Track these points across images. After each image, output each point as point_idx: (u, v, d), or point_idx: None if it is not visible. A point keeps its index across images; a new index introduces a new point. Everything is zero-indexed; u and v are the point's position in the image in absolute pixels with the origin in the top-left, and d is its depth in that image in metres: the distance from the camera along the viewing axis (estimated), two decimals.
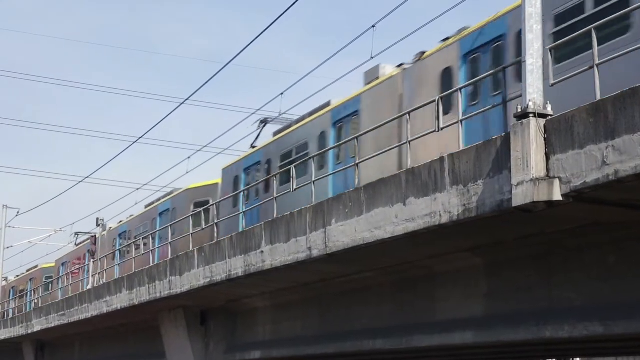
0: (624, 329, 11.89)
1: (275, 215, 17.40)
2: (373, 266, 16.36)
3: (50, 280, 43.35)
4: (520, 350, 17.88)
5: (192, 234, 23.27)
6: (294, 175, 18.19)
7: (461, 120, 13.21)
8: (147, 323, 27.54)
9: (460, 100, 13.68)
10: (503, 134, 11.40)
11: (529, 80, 11.08)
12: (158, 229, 30.18)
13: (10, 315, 40.59)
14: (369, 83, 20.92)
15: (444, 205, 12.24)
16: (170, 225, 25.99)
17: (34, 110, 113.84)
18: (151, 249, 27.47)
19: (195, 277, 20.43)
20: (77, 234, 42.24)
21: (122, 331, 31.06)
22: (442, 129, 13.87)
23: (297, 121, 24.54)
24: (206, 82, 23.18)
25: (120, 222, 38.00)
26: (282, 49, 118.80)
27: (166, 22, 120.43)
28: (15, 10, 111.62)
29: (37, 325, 34.74)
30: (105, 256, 34.55)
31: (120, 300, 25.56)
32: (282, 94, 25.98)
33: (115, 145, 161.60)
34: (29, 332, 36.06)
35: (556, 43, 12.20)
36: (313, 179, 17.60)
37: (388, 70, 20.32)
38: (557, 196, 10.46)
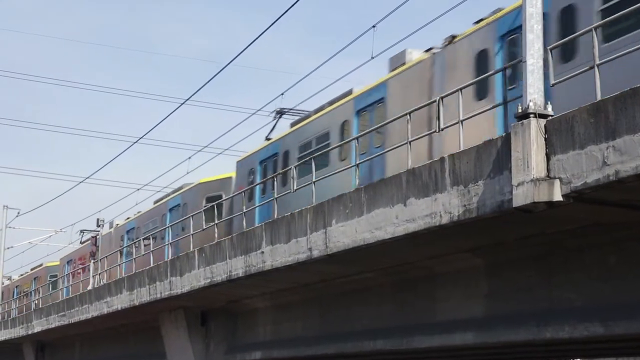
0: (624, 330, 11.87)
1: (294, 209, 16.71)
2: (373, 267, 16.35)
3: (55, 278, 42.81)
4: (520, 350, 17.86)
5: (205, 229, 22.79)
6: (313, 168, 17.60)
7: (461, 121, 13.18)
8: (147, 324, 27.53)
9: (493, 86, 12.89)
10: (503, 134, 11.40)
11: (529, 81, 11.07)
12: (169, 224, 28.94)
13: (15, 315, 40.35)
14: (394, 69, 19.89)
15: (445, 206, 12.23)
16: (184, 219, 25.00)
17: (34, 110, 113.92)
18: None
19: (196, 278, 20.43)
20: (82, 231, 41.76)
21: (123, 332, 31.05)
22: (442, 129, 13.85)
23: (316, 111, 23.54)
24: (207, 82, 23.08)
25: (128, 218, 37.20)
26: (283, 49, 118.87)
27: (166, 22, 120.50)
28: (15, 10, 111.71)
29: (38, 326, 34.72)
30: (113, 253, 33.41)
31: (120, 301, 25.55)
32: (282, 94, 26.05)
33: (115, 145, 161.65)
34: (29, 332, 36.04)
35: (556, 43, 12.18)
36: (316, 176, 16.89)
37: (415, 55, 19.39)
38: (558, 197, 10.45)
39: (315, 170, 17.74)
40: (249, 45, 19.92)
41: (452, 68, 17.45)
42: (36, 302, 40.85)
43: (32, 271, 50.55)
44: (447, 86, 16.80)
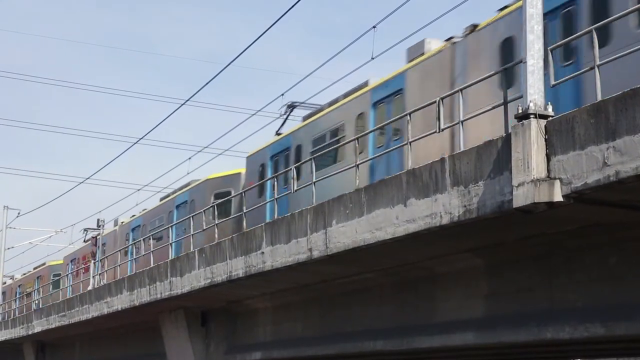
0: (625, 330, 11.87)
1: (315, 201, 16.21)
2: (374, 267, 16.35)
3: (59, 277, 42.41)
4: (521, 351, 17.86)
5: (205, 229, 22.33)
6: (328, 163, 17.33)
7: (462, 121, 13.17)
8: (147, 324, 27.54)
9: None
10: (503, 135, 11.39)
11: (529, 81, 11.07)
12: (176, 221, 28.17)
13: (17, 315, 40.20)
14: (412, 60, 19.30)
15: (445, 206, 12.23)
16: (193, 215, 24.19)
17: (34, 110, 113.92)
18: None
19: (196, 278, 20.43)
20: (86, 230, 41.46)
21: (123, 332, 31.05)
22: (442, 130, 13.83)
23: (330, 104, 22.84)
24: (207, 83, 22.99)
25: (133, 216, 36.59)
26: (283, 50, 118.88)
27: (166, 22, 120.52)
28: (15, 10, 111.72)
29: (38, 326, 34.72)
30: (120, 250, 32.24)
31: (120, 301, 25.55)
32: (282, 94, 25.87)
33: (115, 145, 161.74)
34: (30, 333, 36.04)
35: (556, 44, 12.17)
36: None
37: (434, 45, 18.77)
38: (558, 197, 10.45)
39: (330, 165, 17.41)
40: (249, 45, 20.04)
41: (475, 57, 16.89)
42: (39, 301, 40.57)
43: (35, 270, 50.30)
44: (469, 76, 16.22)
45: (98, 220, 38.86)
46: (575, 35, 11.88)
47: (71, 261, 43.08)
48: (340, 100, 22.15)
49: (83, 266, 38.86)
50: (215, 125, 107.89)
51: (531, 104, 10.90)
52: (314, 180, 17.27)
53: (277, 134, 25.95)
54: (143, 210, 35.74)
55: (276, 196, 18.74)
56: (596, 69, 10.78)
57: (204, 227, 23.63)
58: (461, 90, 13.45)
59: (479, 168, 11.65)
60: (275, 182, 19.14)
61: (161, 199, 34.05)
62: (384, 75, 20.79)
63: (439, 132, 13.93)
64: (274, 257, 16.91)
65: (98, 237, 38.02)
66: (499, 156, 11.30)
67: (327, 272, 17.02)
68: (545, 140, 10.66)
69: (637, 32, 12.64)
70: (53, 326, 32.70)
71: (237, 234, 18.82)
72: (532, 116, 10.76)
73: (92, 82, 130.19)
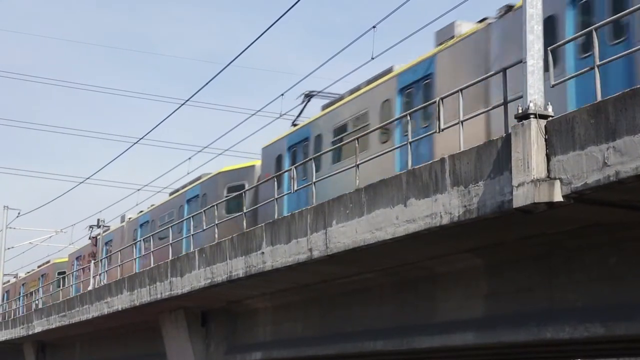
0: (625, 330, 11.88)
1: (330, 196, 15.55)
2: (374, 267, 16.35)
3: (64, 275, 41.85)
4: (521, 351, 17.86)
5: (205, 229, 21.96)
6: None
7: (462, 122, 13.16)
8: (147, 324, 27.54)
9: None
10: (504, 135, 11.40)
11: (529, 81, 11.07)
12: (186, 216, 26.99)
13: (22, 313, 40.01)
14: (441, 43, 18.34)
15: (445, 206, 12.23)
16: (207, 209, 23.31)
17: (34, 110, 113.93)
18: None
19: (196, 278, 20.43)
20: (91, 227, 41.06)
21: (123, 332, 31.05)
22: (442, 130, 13.83)
23: (352, 92, 21.77)
24: (207, 83, 22.95)
25: (141, 212, 35.68)
26: (283, 50, 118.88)
27: (166, 22, 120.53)
28: (15, 10, 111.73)
29: (38, 326, 34.72)
30: (128, 247, 31.25)
31: (121, 302, 25.56)
32: (282, 94, 25.59)
33: (115, 145, 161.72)
34: (30, 333, 36.06)
35: (557, 44, 12.17)
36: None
37: (465, 27, 17.78)
38: (558, 197, 10.46)
39: (352, 155, 16.34)
40: (249, 45, 20.01)
41: (513, 38, 15.16)
42: (43, 300, 40.16)
43: (39, 268, 49.94)
44: (507, 58, 14.96)
45: (98, 220, 38.86)
46: (574, 36, 11.87)
47: (76, 259, 42.59)
48: (362, 88, 21.16)
49: (88, 264, 38.54)
50: (215, 125, 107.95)
51: (531, 104, 10.90)
52: (332, 172, 16.47)
53: (294, 124, 25.06)
54: (151, 205, 34.95)
55: (295, 188, 17.86)
56: (596, 69, 10.78)
57: (204, 228, 23.52)
58: (461, 90, 13.44)
59: (479, 168, 11.65)
60: (294, 174, 18.24)
61: (170, 194, 33.14)
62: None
63: (439, 132, 13.93)
64: (274, 257, 16.91)
65: (98, 237, 38.00)
66: (499, 156, 11.30)
67: (327, 272, 17.02)
68: (545, 140, 10.67)
69: None
70: (53, 326, 32.71)
71: (237, 234, 18.82)
72: (532, 116, 10.76)
73: (92, 82, 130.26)
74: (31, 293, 44.88)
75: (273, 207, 19.19)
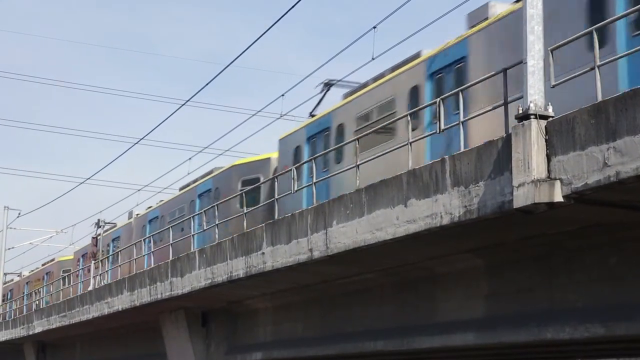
0: (625, 331, 11.88)
1: (362, 185, 14.67)
2: (374, 267, 16.36)
3: (69, 273, 41.43)
4: (521, 351, 17.85)
5: (205, 229, 21.57)
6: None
7: (462, 122, 13.17)
8: (148, 324, 27.54)
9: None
10: (504, 135, 11.40)
11: (530, 82, 11.08)
12: (198, 210, 26.14)
13: (24, 313, 39.88)
14: (473, 26, 17.51)
15: (445, 207, 12.23)
16: (224, 201, 22.49)
17: (34, 110, 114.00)
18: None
19: (197, 278, 20.43)
20: (97, 224, 40.74)
21: (123, 332, 31.05)
22: (443, 130, 13.83)
23: (376, 79, 20.81)
24: (208, 83, 22.91)
25: (150, 207, 35.08)
26: (283, 50, 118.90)
27: (167, 23, 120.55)
28: (15, 10, 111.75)
29: (38, 326, 34.72)
30: (135, 243, 29.93)
31: (121, 302, 25.56)
32: (282, 95, 25.45)
33: (115, 146, 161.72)
34: (30, 333, 36.05)
35: (557, 44, 12.17)
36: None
37: (499, 9, 16.98)
38: (558, 197, 10.46)
39: (378, 144, 15.90)
40: (249, 46, 19.97)
41: (556, 19, 14.57)
42: (48, 298, 39.80)
43: (44, 266, 49.59)
44: (549, 39, 13.62)
45: (98, 220, 38.81)
46: (574, 37, 11.85)
47: (82, 256, 42.23)
48: (387, 75, 20.29)
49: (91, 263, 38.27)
50: (215, 125, 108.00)
51: (531, 105, 10.91)
52: (358, 162, 15.66)
53: (311, 115, 24.38)
54: (160, 201, 34.30)
55: (314, 180, 17.33)
56: (596, 69, 10.78)
57: (205, 228, 23.45)
58: (461, 90, 13.44)
59: (479, 168, 11.66)
60: (314, 165, 17.44)
61: (181, 189, 32.33)
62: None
63: (439, 132, 13.93)
64: (274, 258, 16.92)
65: (99, 237, 37.93)
66: (499, 156, 11.31)
67: (328, 272, 17.03)
68: (546, 140, 10.67)
69: None
70: (54, 326, 32.71)
71: (237, 234, 18.82)
72: (532, 117, 10.77)
73: (92, 82, 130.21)
74: (35, 292, 44.52)
75: (291, 201, 18.41)
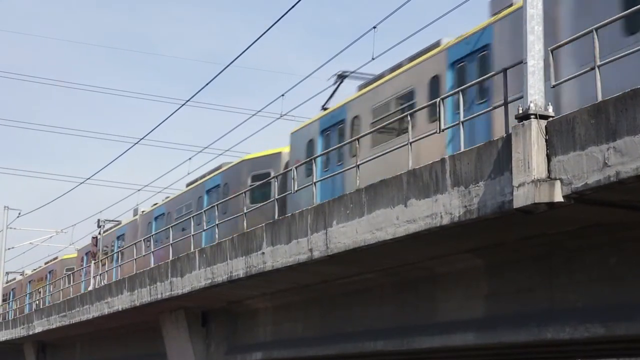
0: (625, 331, 11.87)
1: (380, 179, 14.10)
2: (374, 267, 16.36)
3: (72, 272, 41.12)
4: (521, 351, 17.85)
5: (206, 228, 21.29)
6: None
7: (462, 122, 13.16)
8: (148, 324, 27.54)
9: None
10: (504, 135, 11.40)
11: (530, 82, 11.08)
12: (206, 206, 25.43)
13: (27, 312, 39.78)
14: (496, 13, 16.82)
15: (445, 207, 12.23)
16: (235, 196, 21.95)
17: (34, 110, 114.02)
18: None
19: (197, 278, 20.43)
20: (101, 222, 40.41)
21: (123, 332, 31.05)
22: (443, 130, 13.83)
23: (392, 69, 20.15)
24: (208, 83, 22.91)
25: (155, 204, 34.61)
26: (283, 50, 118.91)
27: (167, 23, 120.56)
28: (15, 10, 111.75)
29: (39, 326, 34.73)
30: (143, 240, 29.26)
31: (121, 302, 25.56)
32: (282, 95, 25.43)
33: (115, 146, 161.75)
34: (30, 333, 36.06)
35: (557, 44, 12.16)
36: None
37: None
38: (559, 197, 10.46)
39: (397, 137, 15.46)
40: (249, 46, 19.94)
41: (588, 4, 14.14)
42: (51, 298, 39.62)
43: (46, 265, 49.28)
44: (577, 26, 13.46)
45: (99, 220, 38.78)
46: (574, 37, 11.85)
47: (86, 254, 41.92)
48: (405, 65, 19.62)
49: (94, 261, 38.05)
50: (215, 125, 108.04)
51: (531, 105, 10.91)
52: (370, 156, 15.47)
53: (324, 108, 23.75)
54: (166, 197, 33.78)
55: (327, 175, 16.98)
56: (596, 69, 10.78)
57: (205, 228, 23.43)
58: (461, 90, 13.43)
59: (479, 168, 11.66)
60: (326, 159, 17.16)
61: (187, 185, 31.70)
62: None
63: (439, 132, 13.93)
64: (274, 258, 16.91)
65: (98, 237, 37.91)
66: (499, 156, 11.31)
67: (328, 272, 17.03)
68: (546, 140, 10.67)
69: None
70: (54, 326, 32.71)
71: (237, 234, 18.82)
72: (532, 117, 10.77)
73: (92, 82, 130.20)
74: (37, 291, 44.24)
75: (303, 194, 17.81)
